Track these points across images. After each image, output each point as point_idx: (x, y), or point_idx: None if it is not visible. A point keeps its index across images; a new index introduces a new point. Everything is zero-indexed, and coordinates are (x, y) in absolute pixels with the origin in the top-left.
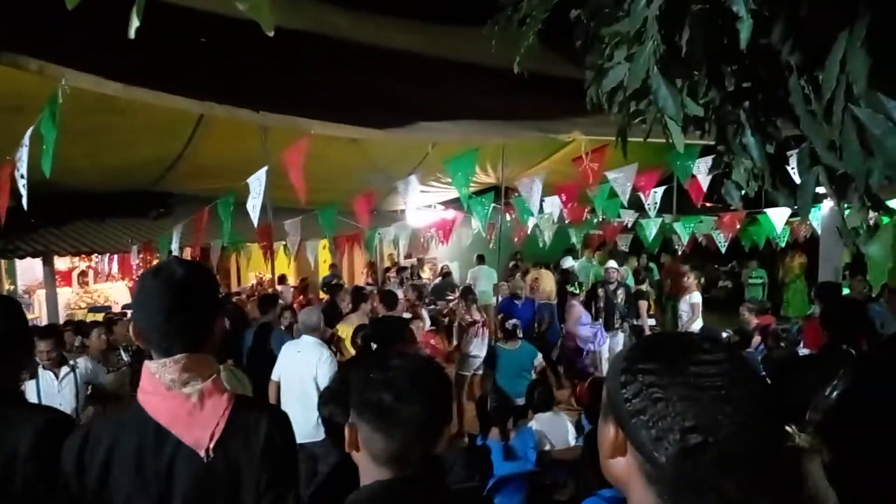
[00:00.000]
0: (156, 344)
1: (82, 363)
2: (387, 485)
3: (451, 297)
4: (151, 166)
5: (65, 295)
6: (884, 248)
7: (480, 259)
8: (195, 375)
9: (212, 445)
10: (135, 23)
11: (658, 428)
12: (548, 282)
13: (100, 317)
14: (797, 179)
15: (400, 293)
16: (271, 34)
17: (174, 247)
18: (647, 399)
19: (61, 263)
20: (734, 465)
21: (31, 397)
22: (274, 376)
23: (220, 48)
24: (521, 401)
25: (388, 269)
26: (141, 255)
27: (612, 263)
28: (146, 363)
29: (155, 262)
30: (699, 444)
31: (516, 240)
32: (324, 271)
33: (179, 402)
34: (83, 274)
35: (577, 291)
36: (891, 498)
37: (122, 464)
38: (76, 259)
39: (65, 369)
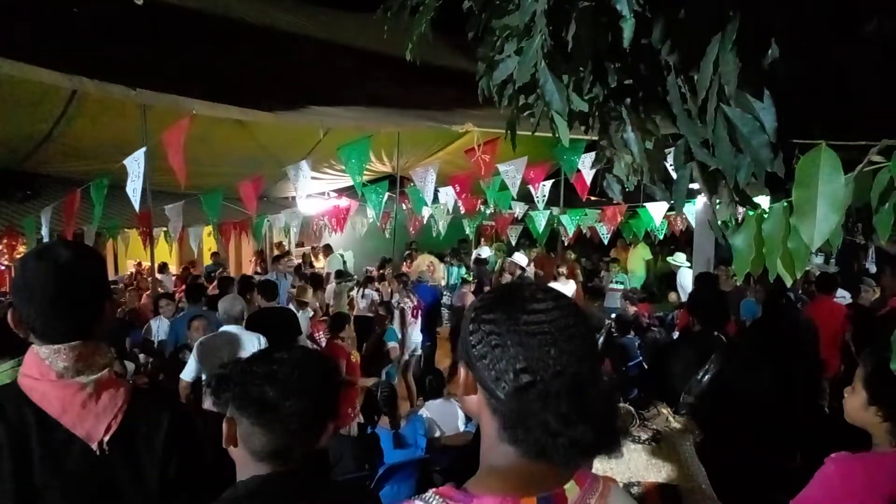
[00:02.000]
0: (40, 332)
1: None
2: (266, 479)
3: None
4: (17, 143)
5: None
6: (747, 240)
7: None
8: (90, 364)
9: (106, 439)
10: None
11: (497, 370)
12: (440, 268)
13: None
14: (674, 175)
15: (291, 281)
16: (140, 2)
17: (43, 232)
18: (488, 345)
19: None
20: (555, 399)
21: None
22: (188, 376)
23: (95, 20)
24: None
25: (277, 258)
26: (4, 241)
27: (518, 257)
28: (34, 348)
29: (21, 248)
30: (529, 382)
31: (412, 230)
32: (207, 260)
33: (72, 391)
34: None
35: (470, 280)
36: (753, 474)
37: (0, 450)
38: None
39: None
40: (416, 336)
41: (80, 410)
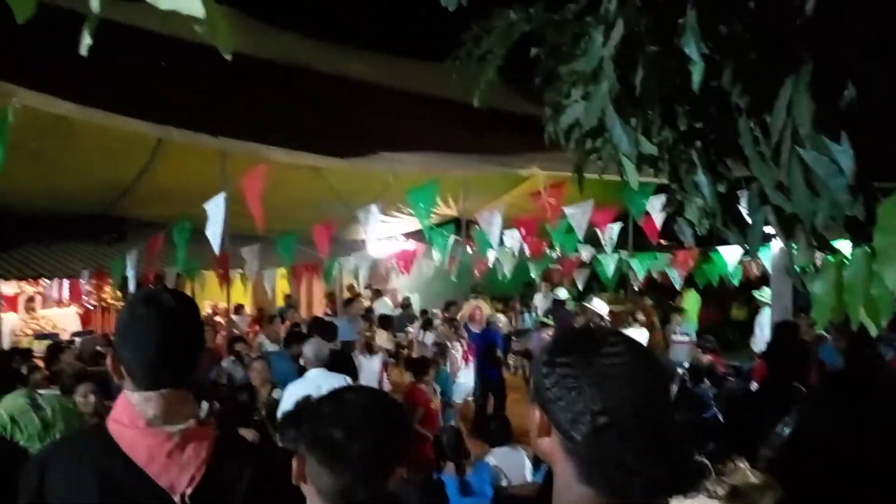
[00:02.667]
0: (140, 377)
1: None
2: None
3: (410, 329)
4: (106, 190)
5: (10, 321)
6: (827, 286)
7: None
8: (178, 413)
9: (189, 492)
10: (86, 40)
11: (573, 412)
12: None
13: (45, 344)
14: (748, 219)
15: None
16: (229, 58)
17: (129, 273)
18: (564, 388)
19: (7, 288)
20: (633, 439)
21: None
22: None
23: (181, 72)
24: None
25: (348, 302)
26: (92, 282)
27: (597, 303)
28: (126, 393)
29: (107, 288)
30: (606, 423)
31: (477, 273)
32: (280, 302)
33: (160, 440)
34: (30, 299)
35: (550, 324)
36: None
37: (83, 497)
38: (23, 284)
39: None
40: (466, 380)
41: (165, 460)
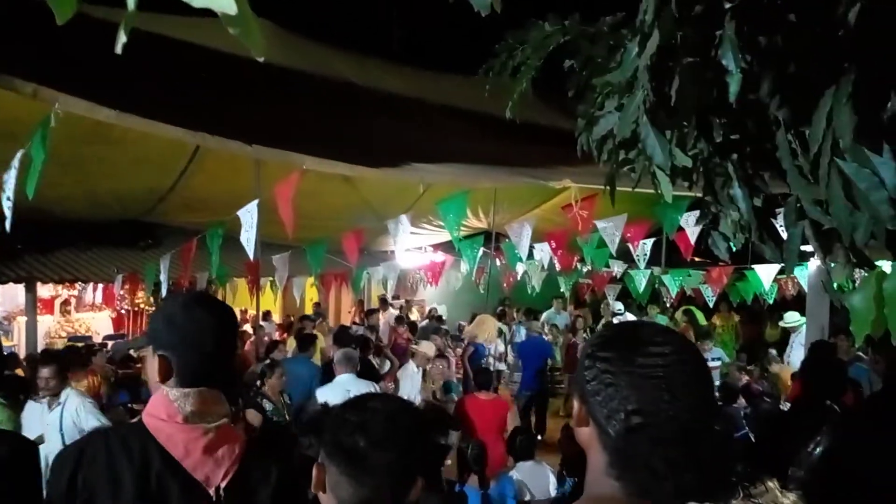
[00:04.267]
0: (185, 375)
1: (74, 400)
2: None
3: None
4: (142, 197)
5: (45, 323)
6: (866, 299)
7: None
8: (213, 411)
9: (223, 485)
10: (122, 38)
11: (609, 408)
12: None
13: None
14: (784, 235)
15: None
16: (261, 59)
17: (163, 278)
18: (602, 383)
19: (44, 291)
20: (665, 444)
21: (30, 425)
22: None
23: (219, 83)
24: None
25: (370, 313)
26: (126, 286)
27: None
28: (165, 389)
29: (140, 293)
30: (639, 424)
31: (505, 285)
32: (309, 309)
33: (196, 435)
34: (66, 302)
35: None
36: None
37: (118, 488)
38: (59, 287)
39: (57, 402)
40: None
41: (201, 455)
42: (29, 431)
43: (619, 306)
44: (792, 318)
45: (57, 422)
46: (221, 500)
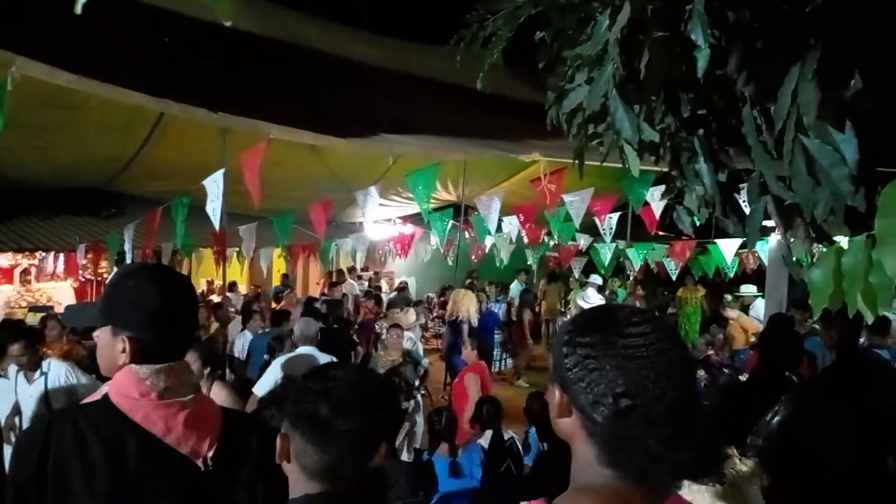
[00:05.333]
0: (156, 352)
1: (58, 367)
2: (317, 497)
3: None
4: (105, 165)
5: (5, 293)
6: (825, 273)
7: None
8: (185, 384)
9: (210, 454)
10: None
11: (594, 393)
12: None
13: (39, 317)
14: (747, 210)
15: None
16: (228, 23)
17: (126, 247)
18: (585, 369)
19: (2, 260)
20: (657, 424)
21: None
22: (262, 392)
23: (183, 49)
24: None
25: (332, 285)
26: (88, 256)
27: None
28: (133, 367)
29: (103, 262)
30: (628, 406)
31: (474, 258)
32: (276, 280)
33: (174, 410)
34: (26, 272)
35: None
36: None
37: (91, 471)
38: (19, 256)
39: (38, 373)
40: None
41: (183, 429)
42: None
43: (597, 279)
44: (748, 290)
45: (41, 391)
46: (210, 469)
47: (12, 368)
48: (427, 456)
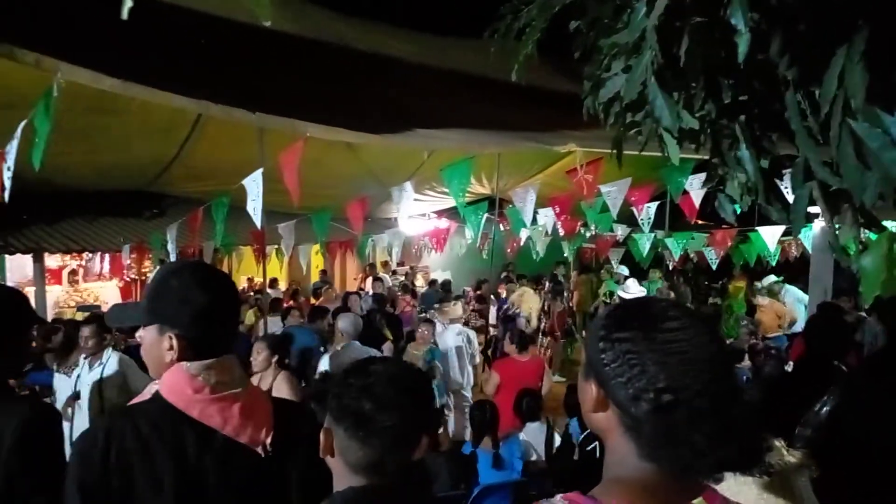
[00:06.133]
0: (205, 348)
1: (114, 360)
2: (361, 491)
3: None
4: (147, 167)
5: (54, 293)
6: (877, 260)
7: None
8: (236, 376)
9: (268, 441)
10: (128, 3)
11: (634, 388)
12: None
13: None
14: (789, 197)
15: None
16: (268, 24)
17: (169, 247)
18: (625, 364)
19: (52, 261)
20: (703, 420)
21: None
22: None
23: (220, 50)
24: None
25: (377, 278)
26: (133, 256)
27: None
28: (184, 364)
29: (146, 262)
30: (671, 401)
31: (509, 251)
32: (315, 277)
33: (229, 403)
34: (73, 272)
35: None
36: None
37: (153, 465)
38: (67, 257)
39: (97, 362)
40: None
41: (239, 419)
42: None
43: (625, 270)
44: (769, 280)
45: (96, 379)
46: (270, 454)
47: (81, 360)
48: (469, 448)
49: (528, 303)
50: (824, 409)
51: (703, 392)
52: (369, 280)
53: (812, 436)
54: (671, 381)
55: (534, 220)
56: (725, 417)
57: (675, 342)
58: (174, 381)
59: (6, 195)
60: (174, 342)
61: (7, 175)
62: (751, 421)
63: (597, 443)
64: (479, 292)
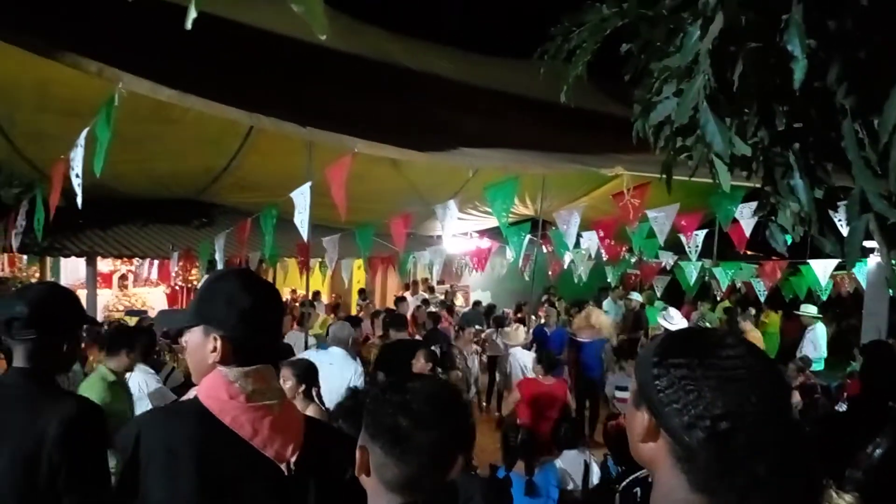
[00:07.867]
0: (244, 354)
1: (139, 375)
2: None
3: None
4: (198, 176)
5: (104, 296)
6: None
7: None
8: (272, 388)
9: (293, 459)
10: (192, 13)
11: (690, 415)
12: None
13: (135, 320)
14: (844, 231)
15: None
16: (324, 37)
17: (217, 256)
18: (681, 390)
19: (104, 265)
20: (764, 449)
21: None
22: None
23: (273, 64)
24: None
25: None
26: (181, 263)
27: (674, 313)
28: (222, 370)
29: (194, 270)
30: (728, 429)
31: (551, 273)
32: (356, 290)
33: (262, 414)
34: (123, 277)
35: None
36: None
37: (173, 462)
38: (118, 262)
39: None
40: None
41: (269, 432)
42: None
43: (638, 296)
44: (807, 309)
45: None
46: (293, 473)
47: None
48: (502, 473)
49: (599, 322)
50: (877, 450)
51: (763, 421)
52: (408, 295)
53: (863, 479)
54: (729, 408)
55: (577, 244)
56: (785, 448)
57: (733, 369)
58: (211, 384)
59: (79, 200)
60: (218, 343)
61: (77, 182)
62: (811, 454)
63: (639, 488)
64: (519, 315)
